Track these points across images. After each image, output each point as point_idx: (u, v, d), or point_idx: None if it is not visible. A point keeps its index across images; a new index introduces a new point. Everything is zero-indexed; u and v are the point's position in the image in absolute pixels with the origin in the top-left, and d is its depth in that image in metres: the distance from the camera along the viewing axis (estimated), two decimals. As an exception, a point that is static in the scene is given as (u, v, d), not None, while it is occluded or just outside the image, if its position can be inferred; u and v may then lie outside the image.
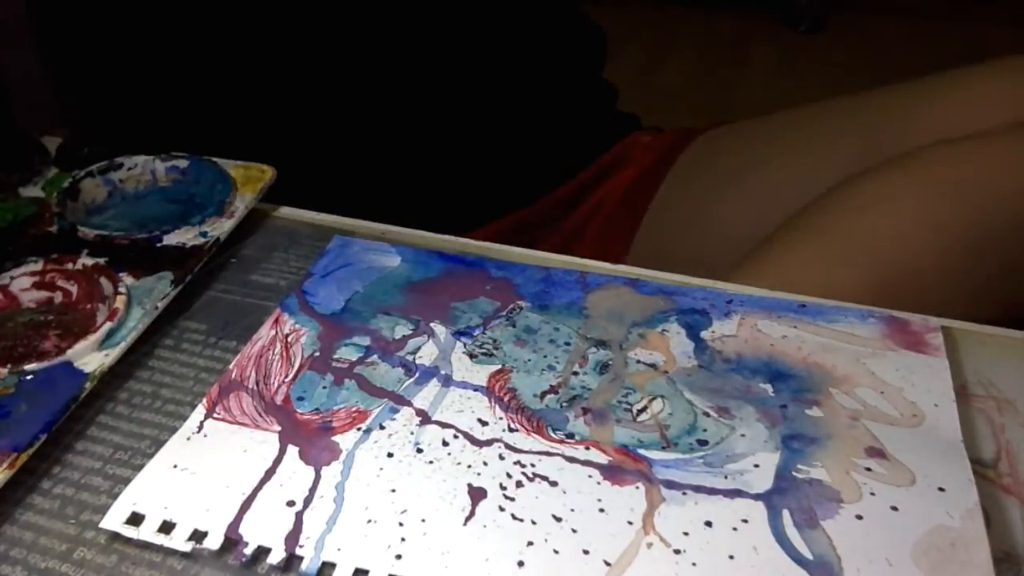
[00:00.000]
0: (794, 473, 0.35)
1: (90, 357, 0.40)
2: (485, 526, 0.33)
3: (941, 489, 0.34)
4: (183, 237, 0.48)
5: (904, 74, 0.69)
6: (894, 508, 0.33)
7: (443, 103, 0.68)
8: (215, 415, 0.38)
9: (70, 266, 0.45)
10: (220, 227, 0.49)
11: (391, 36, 0.63)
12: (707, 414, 0.38)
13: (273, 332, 0.42)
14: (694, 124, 0.81)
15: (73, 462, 0.37)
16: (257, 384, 0.40)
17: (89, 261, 0.46)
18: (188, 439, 0.37)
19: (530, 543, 0.32)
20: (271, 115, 0.65)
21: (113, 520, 0.33)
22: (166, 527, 0.33)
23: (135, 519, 0.34)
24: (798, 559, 0.32)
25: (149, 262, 0.46)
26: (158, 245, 0.48)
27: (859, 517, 0.33)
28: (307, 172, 0.56)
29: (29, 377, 0.39)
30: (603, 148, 0.78)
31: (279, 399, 0.39)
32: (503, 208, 0.71)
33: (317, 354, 0.41)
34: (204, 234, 0.48)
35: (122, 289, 0.43)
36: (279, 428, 0.37)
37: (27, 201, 0.52)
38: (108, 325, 0.41)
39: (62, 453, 0.38)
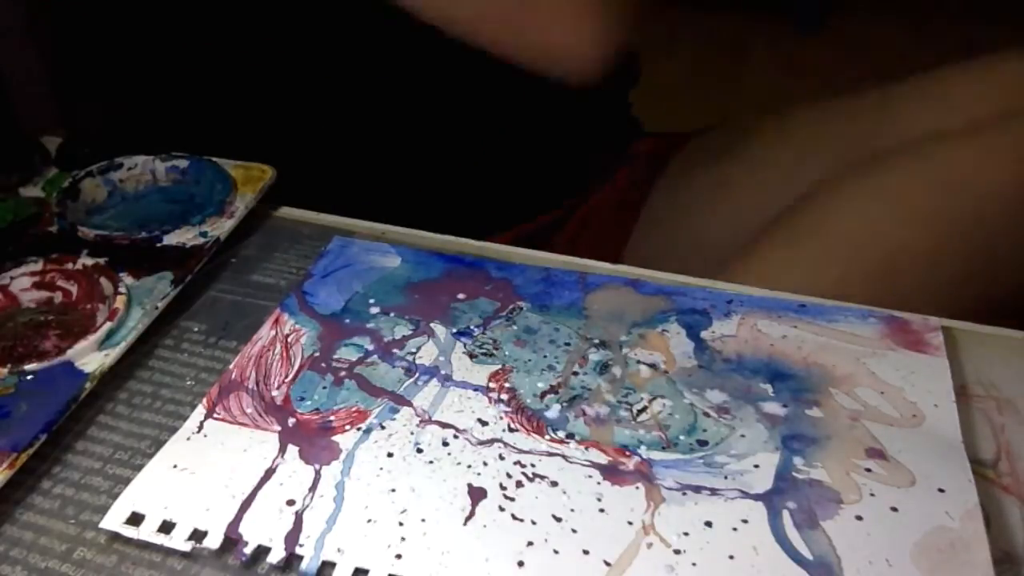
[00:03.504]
0: (794, 473, 0.35)
1: (90, 357, 0.40)
2: (485, 526, 0.33)
3: (941, 490, 0.34)
4: (183, 237, 0.48)
5: (904, 74, 0.69)
6: (894, 509, 0.33)
7: (457, 109, 0.67)
8: (215, 415, 0.38)
9: (70, 266, 0.45)
10: (220, 227, 0.49)
11: (401, 40, 0.62)
12: (707, 414, 0.38)
13: (273, 332, 0.42)
14: (693, 126, 0.81)
15: (73, 462, 0.37)
16: (257, 384, 0.40)
17: (89, 261, 0.46)
18: (188, 439, 0.37)
19: (530, 543, 0.32)
20: (271, 115, 0.65)
21: (113, 520, 0.33)
22: (166, 527, 0.33)
23: (135, 519, 0.34)
24: (798, 559, 0.32)
25: (149, 262, 0.46)
26: (158, 245, 0.48)
27: (859, 518, 0.33)
28: (307, 172, 0.56)
29: (29, 377, 0.39)
30: (611, 162, 0.78)
31: (279, 399, 0.39)
32: (507, 221, 0.71)
33: (317, 354, 0.41)
34: (204, 234, 0.48)
35: (122, 289, 0.43)
36: (279, 428, 0.37)
37: (27, 201, 0.52)
38: (108, 325, 0.41)
39: (62, 453, 0.38)
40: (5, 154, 0.54)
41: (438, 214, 0.52)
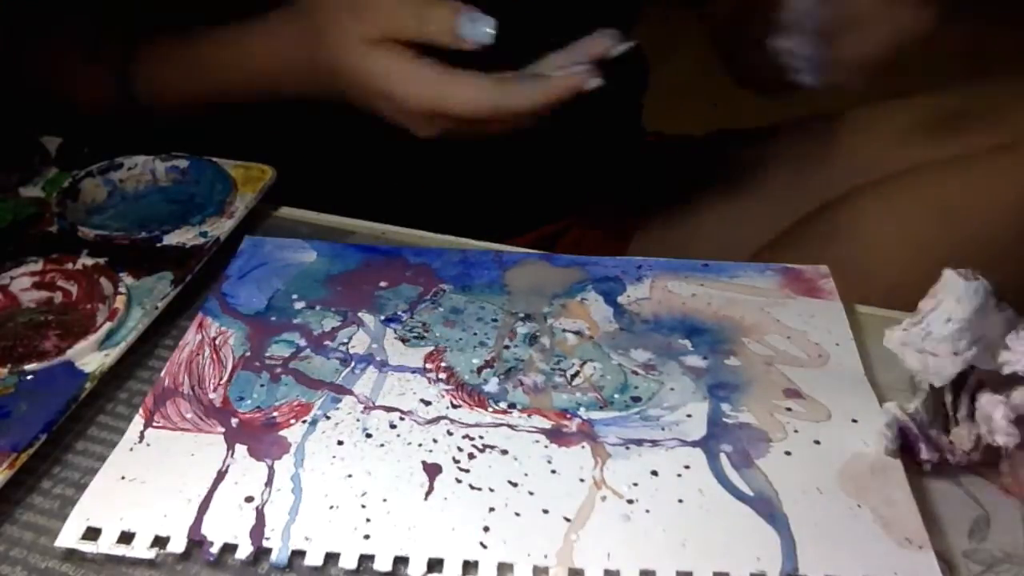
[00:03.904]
0: (724, 419, 0.37)
1: (90, 357, 0.40)
2: (446, 498, 0.34)
3: (854, 420, 0.37)
4: (183, 237, 0.48)
5: (904, 73, 0.68)
6: (816, 442, 0.36)
7: None
8: (155, 424, 0.38)
9: (70, 266, 0.45)
10: (220, 227, 0.49)
11: None
12: (636, 372, 0.40)
13: (199, 336, 0.42)
14: (695, 127, 0.81)
15: (73, 462, 0.37)
16: (193, 389, 0.39)
17: (89, 261, 0.45)
18: (131, 450, 0.37)
19: (492, 509, 0.34)
20: (271, 115, 0.63)
21: (68, 537, 0.33)
22: (126, 537, 0.33)
23: (92, 533, 0.33)
24: (741, 496, 0.34)
25: (149, 262, 0.46)
26: (158, 245, 0.47)
27: (788, 453, 0.36)
28: (307, 172, 0.55)
29: (29, 377, 0.39)
30: (617, 166, 0.77)
31: (218, 401, 0.39)
32: (513, 230, 0.69)
33: (248, 354, 0.41)
34: (204, 234, 0.48)
35: (122, 289, 0.43)
36: (223, 429, 0.37)
37: (27, 201, 0.51)
38: (108, 325, 0.41)
39: (62, 453, 0.37)
40: (5, 154, 0.53)
41: (443, 221, 0.52)
